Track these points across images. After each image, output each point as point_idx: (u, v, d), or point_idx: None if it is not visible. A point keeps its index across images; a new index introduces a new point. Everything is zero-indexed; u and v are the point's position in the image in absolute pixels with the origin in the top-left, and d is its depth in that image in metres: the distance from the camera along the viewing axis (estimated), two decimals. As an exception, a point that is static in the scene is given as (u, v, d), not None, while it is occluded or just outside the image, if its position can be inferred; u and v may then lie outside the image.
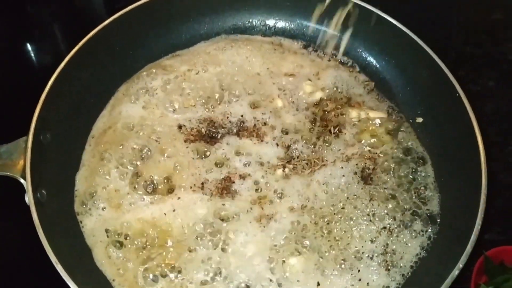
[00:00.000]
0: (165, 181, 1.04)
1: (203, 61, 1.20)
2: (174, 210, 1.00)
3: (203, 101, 1.15)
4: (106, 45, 1.15)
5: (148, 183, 1.03)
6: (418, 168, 1.09)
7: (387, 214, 1.02)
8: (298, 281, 0.95)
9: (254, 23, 1.30)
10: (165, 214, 1.00)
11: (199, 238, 0.98)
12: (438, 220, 1.03)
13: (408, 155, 1.11)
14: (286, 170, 1.06)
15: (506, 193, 1.21)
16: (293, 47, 1.28)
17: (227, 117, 1.13)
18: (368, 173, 1.07)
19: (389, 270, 0.97)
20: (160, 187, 1.03)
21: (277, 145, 1.10)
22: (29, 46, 1.43)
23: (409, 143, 1.12)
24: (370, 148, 1.10)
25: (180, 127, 1.11)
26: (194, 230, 0.99)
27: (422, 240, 1.01)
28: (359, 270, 0.96)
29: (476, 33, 1.51)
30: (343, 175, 1.06)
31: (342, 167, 1.07)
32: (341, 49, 1.26)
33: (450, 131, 1.09)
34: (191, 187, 1.04)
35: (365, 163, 1.08)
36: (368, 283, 0.96)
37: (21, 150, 0.96)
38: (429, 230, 1.02)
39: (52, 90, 1.02)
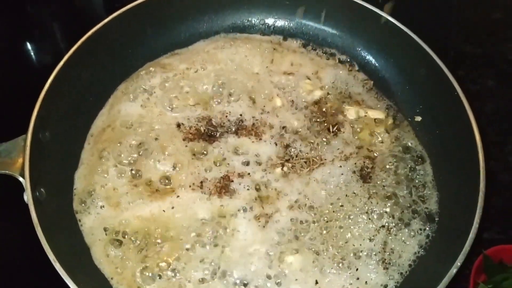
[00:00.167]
0: (164, 179, 1.04)
1: (202, 60, 1.21)
2: (173, 208, 1.00)
3: (202, 99, 1.15)
4: (105, 44, 1.15)
5: (146, 181, 1.03)
6: (416, 166, 1.09)
7: (385, 212, 1.02)
8: (296, 279, 0.95)
9: (253, 22, 1.30)
10: (164, 211, 1.00)
11: (197, 237, 0.98)
12: (436, 219, 1.03)
13: (407, 153, 1.11)
14: (285, 168, 1.07)
15: (506, 192, 1.21)
16: (292, 46, 1.28)
17: (226, 116, 1.13)
18: (367, 172, 1.07)
19: (387, 268, 0.97)
20: (158, 185, 1.03)
21: (276, 144, 1.10)
22: (29, 46, 1.43)
23: (407, 142, 1.13)
24: (368, 147, 1.11)
25: (178, 125, 1.11)
26: (193, 229, 0.99)
27: (421, 238, 1.01)
28: (357, 269, 0.96)
29: (476, 32, 1.51)
30: (342, 174, 1.06)
31: (340, 166, 1.07)
32: (340, 48, 1.26)
33: (449, 130, 1.09)
34: (190, 186, 1.04)
35: (364, 162, 1.08)
36: (366, 282, 0.96)
37: (20, 149, 0.96)
38: (428, 229, 1.02)
39: (51, 89, 1.02)
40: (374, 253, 0.98)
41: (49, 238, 0.88)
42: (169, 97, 1.15)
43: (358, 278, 0.96)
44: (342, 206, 1.02)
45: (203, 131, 1.11)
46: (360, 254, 0.98)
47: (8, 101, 1.28)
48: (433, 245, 0.99)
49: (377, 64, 1.24)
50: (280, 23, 1.30)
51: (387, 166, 1.08)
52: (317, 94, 1.17)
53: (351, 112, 1.14)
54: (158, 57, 1.24)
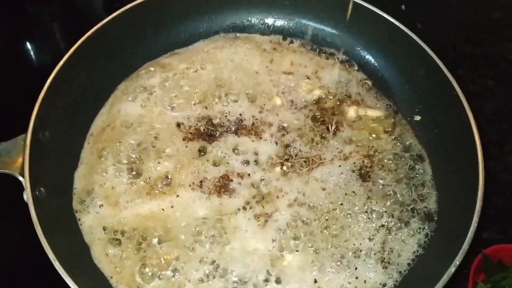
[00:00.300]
0: (164, 179, 1.04)
1: (202, 60, 1.21)
2: (172, 207, 1.01)
3: (202, 99, 1.15)
4: (105, 43, 1.15)
5: (146, 180, 1.04)
6: (416, 165, 1.09)
7: (385, 212, 1.02)
8: (295, 278, 0.95)
9: (252, 21, 1.30)
10: (163, 209, 1.00)
11: (197, 236, 0.98)
12: (435, 218, 1.03)
13: (406, 153, 1.11)
14: (285, 168, 1.07)
15: (505, 192, 1.21)
16: (292, 45, 1.28)
17: (226, 116, 1.13)
18: (366, 171, 1.07)
19: (386, 267, 0.97)
20: (158, 185, 1.04)
21: (276, 143, 1.10)
22: (28, 46, 1.43)
23: (407, 141, 1.13)
24: (368, 146, 1.11)
25: (178, 125, 1.11)
26: (193, 228, 0.99)
27: (419, 237, 1.01)
28: (356, 268, 0.96)
29: (476, 32, 1.51)
30: (341, 173, 1.06)
31: (340, 165, 1.07)
32: (340, 47, 1.26)
33: (448, 129, 1.09)
34: (189, 185, 1.04)
35: (363, 161, 1.08)
36: (365, 281, 0.96)
37: (20, 148, 0.96)
38: (427, 228, 1.02)
39: (51, 89, 1.03)
40: (373, 252, 0.98)
41: (48, 237, 0.88)
42: (169, 96, 1.15)
43: (357, 277, 0.96)
44: (341, 204, 1.02)
45: (203, 131, 1.11)
46: (360, 253, 0.98)
47: (8, 101, 1.28)
48: (432, 244, 0.99)
49: (376, 64, 1.24)
50: (279, 22, 1.30)
51: (386, 165, 1.08)
52: (317, 93, 1.17)
53: (350, 112, 1.14)
54: (158, 57, 1.24)
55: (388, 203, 1.03)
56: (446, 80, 1.07)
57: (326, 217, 1.01)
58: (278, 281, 0.95)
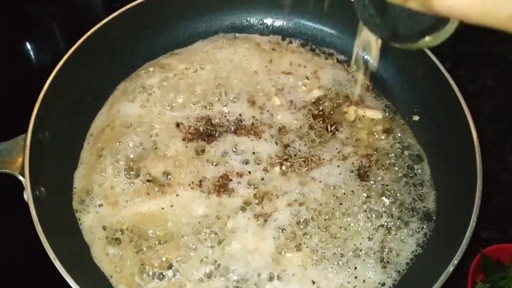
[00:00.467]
0: (163, 178, 1.04)
1: (201, 60, 1.21)
2: (172, 206, 1.01)
3: (201, 99, 1.15)
4: (105, 43, 1.15)
5: (145, 180, 1.04)
6: (414, 165, 1.09)
7: (384, 212, 1.02)
8: (295, 277, 0.95)
9: (252, 22, 1.30)
10: (162, 208, 1.00)
11: (197, 235, 0.98)
12: (434, 217, 1.03)
13: (405, 152, 1.11)
14: (284, 167, 1.07)
15: (504, 192, 1.21)
16: (291, 45, 1.28)
17: (225, 116, 1.13)
18: (365, 171, 1.07)
19: (385, 267, 0.97)
20: (158, 184, 1.04)
21: (276, 143, 1.10)
22: (28, 46, 1.43)
23: (405, 141, 1.13)
24: (366, 146, 1.11)
25: (178, 125, 1.12)
26: (192, 227, 0.99)
27: (418, 237, 1.01)
28: (355, 267, 0.96)
29: (475, 32, 1.50)
30: (340, 173, 1.06)
31: (339, 165, 1.07)
32: (339, 47, 1.27)
33: (447, 129, 1.09)
34: (189, 185, 1.04)
35: (362, 161, 1.08)
36: (364, 280, 0.96)
37: (20, 148, 0.96)
38: (425, 227, 1.02)
39: (51, 89, 1.03)
40: (372, 251, 0.98)
41: (49, 236, 0.88)
42: (168, 96, 1.15)
43: (356, 277, 0.96)
44: (341, 204, 1.02)
45: (202, 131, 1.11)
46: (359, 252, 0.98)
47: (8, 100, 1.28)
48: (430, 243, 1.00)
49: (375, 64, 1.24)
50: (278, 23, 1.30)
51: (385, 165, 1.08)
52: (316, 93, 1.17)
53: (349, 112, 1.15)
54: (157, 57, 1.24)
55: (387, 203, 1.03)
56: (445, 80, 1.07)
57: (326, 217, 1.01)
58: (278, 280, 0.95)
